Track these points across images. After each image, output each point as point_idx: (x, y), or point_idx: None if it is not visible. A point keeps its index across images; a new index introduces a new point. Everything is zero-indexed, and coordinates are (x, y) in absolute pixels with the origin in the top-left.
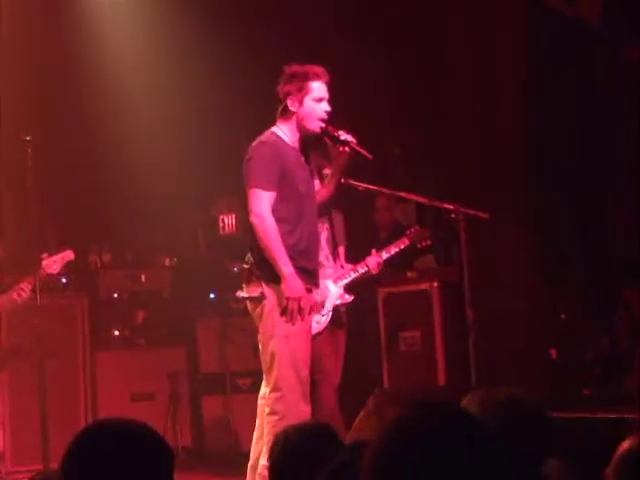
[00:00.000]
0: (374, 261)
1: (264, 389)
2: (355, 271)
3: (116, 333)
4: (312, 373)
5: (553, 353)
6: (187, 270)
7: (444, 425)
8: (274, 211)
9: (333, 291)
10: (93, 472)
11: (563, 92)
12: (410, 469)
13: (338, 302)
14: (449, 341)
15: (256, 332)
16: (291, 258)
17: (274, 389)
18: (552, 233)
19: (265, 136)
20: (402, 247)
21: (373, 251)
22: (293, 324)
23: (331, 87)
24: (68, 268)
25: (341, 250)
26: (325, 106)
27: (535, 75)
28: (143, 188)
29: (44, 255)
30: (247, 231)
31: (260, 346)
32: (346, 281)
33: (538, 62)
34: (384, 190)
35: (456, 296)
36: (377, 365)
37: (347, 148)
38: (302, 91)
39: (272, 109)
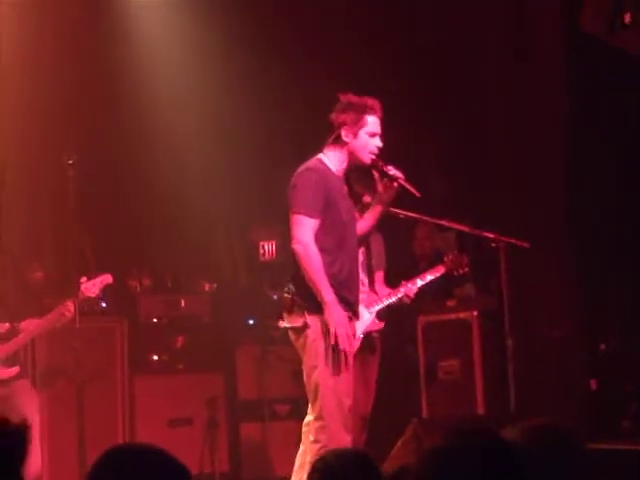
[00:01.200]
0: (407, 289)
1: (309, 417)
2: (388, 298)
3: (155, 358)
4: None
5: (593, 384)
6: (226, 296)
7: (483, 452)
8: (317, 239)
9: (365, 317)
10: None
11: (604, 121)
12: None
13: (369, 328)
14: (488, 370)
15: (295, 359)
16: (332, 287)
17: (318, 418)
18: (592, 260)
19: (312, 163)
20: (438, 275)
21: (404, 281)
22: (340, 352)
23: (383, 122)
24: (107, 292)
25: (379, 274)
26: (377, 142)
27: (576, 103)
28: (184, 213)
29: (83, 279)
30: (288, 259)
31: (304, 376)
32: (378, 308)
33: (578, 90)
34: (425, 218)
35: (496, 325)
36: (416, 394)
37: (395, 184)
38: (358, 123)
39: (320, 134)
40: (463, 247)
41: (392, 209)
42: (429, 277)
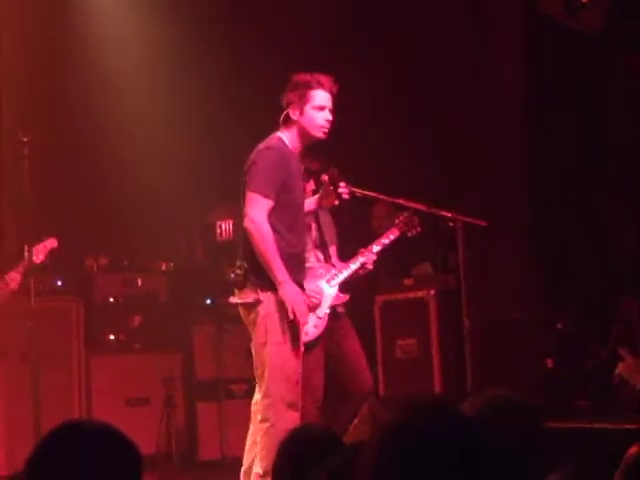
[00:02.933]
0: (366, 256)
1: (257, 395)
2: (348, 268)
3: (111, 337)
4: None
5: (549, 362)
6: (183, 275)
7: (440, 425)
8: (270, 220)
9: (328, 292)
10: (56, 472)
11: (563, 103)
12: (406, 469)
13: (334, 302)
14: (445, 349)
15: (250, 337)
16: (286, 259)
17: (265, 396)
18: (549, 241)
19: (273, 141)
20: (392, 237)
21: (361, 249)
22: (297, 327)
23: (336, 97)
24: (63, 270)
25: (332, 249)
26: (326, 115)
27: (535, 86)
28: (141, 193)
29: (26, 246)
30: (240, 236)
31: (253, 352)
32: (339, 280)
33: (538, 73)
34: (382, 197)
35: (453, 304)
36: (373, 372)
37: (337, 201)
38: (303, 99)
39: (273, 116)
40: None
41: (350, 187)
42: (384, 241)
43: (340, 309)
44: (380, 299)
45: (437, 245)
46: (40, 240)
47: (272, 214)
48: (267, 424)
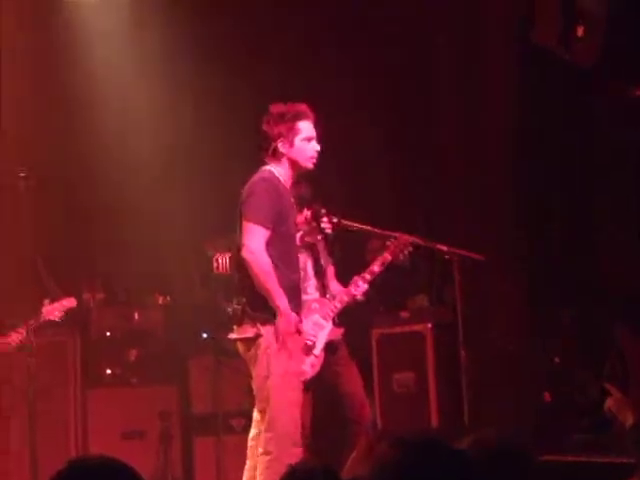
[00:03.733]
0: (359, 287)
1: (254, 430)
2: (341, 302)
3: (108, 371)
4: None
5: (547, 396)
6: (180, 309)
7: (436, 463)
8: (268, 248)
9: (324, 327)
10: None
11: (553, 133)
12: None
13: (330, 338)
14: (442, 383)
15: (249, 373)
16: (287, 294)
17: (268, 429)
18: (546, 275)
19: (265, 173)
20: (385, 263)
21: (355, 277)
22: (290, 357)
23: (317, 124)
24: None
25: (330, 270)
26: (315, 145)
27: (527, 116)
28: (137, 226)
29: (46, 301)
30: (235, 270)
31: (255, 387)
32: (333, 314)
33: (530, 103)
34: (377, 231)
35: (450, 337)
36: (370, 406)
37: (320, 236)
38: (292, 132)
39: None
40: (417, 260)
41: (345, 221)
42: (377, 269)
43: (340, 345)
44: (377, 332)
45: (433, 278)
46: (58, 298)
47: (268, 245)
48: (269, 457)
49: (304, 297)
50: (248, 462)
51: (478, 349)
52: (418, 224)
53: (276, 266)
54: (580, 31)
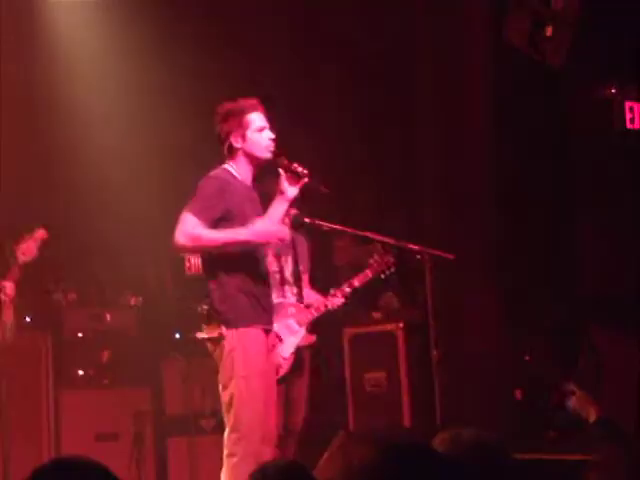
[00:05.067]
0: (336, 299)
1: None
2: (318, 310)
3: (80, 372)
4: None
5: (518, 394)
6: (153, 310)
7: (413, 465)
8: (216, 257)
9: (296, 332)
10: None
11: (531, 130)
12: None
13: (301, 343)
14: (414, 382)
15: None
16: (249, 297)
17: (233, 430)
18: (517, 273)
19: (216, 171)
20: (365, 280)
21: (332, 290)
22: (254, 358)
23: (268, 115)
24: (32, 306)
25: (305, 278)
26: (268, 134)
27: (503, 114)
28: (109, 227)
29: (15, 242)
30: (203, 271)
31: (220, 387)
32: (308, 320)
33: (506, 100)
34: (349, 230)
35: (421, 337)
36: (342, 406)
37: (301, 181)
38: (242, 126)
39: None
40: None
41: (317, 221)
42: (356, 283)
43: (305, 351)
44: (349, 332)
45: (404, 278)
46: (28, 235)
47: (223, 251)
48: (235, 459)
49: (281, 300)
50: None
51: (450, 348)
52: (391, 223)
53: (238, 264)
54: (549, 31)
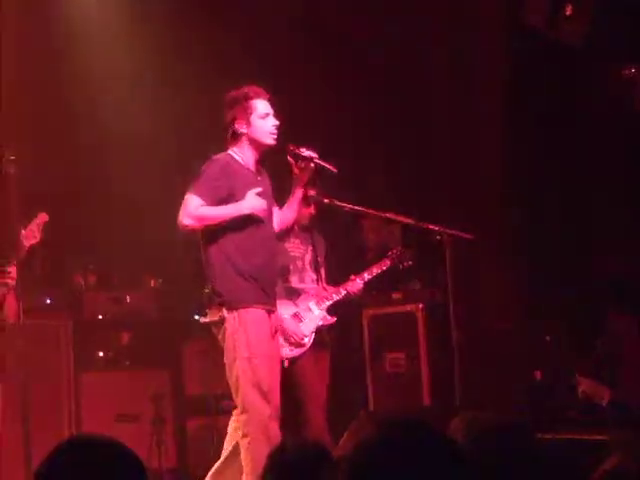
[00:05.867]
0: (355, 284)
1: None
2: (338, 293)
3: (100, 354)
4: (297, 394)
5: (538, 374)
6: (172, 292)
7: (413, 443)
8: (228, 235)
9: (316, 313)
10: None
11: (545, 112)
12: None
13: (321, 324)
14: (434, 362)
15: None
16: (247, 279)
17: (243, 411)
18: (537, 254)
19: (219, 155)
20: (384, 268)
21: (352, 276)
22: (256, 340)
23: (273, 102)
24: (54, 289)
25: (322, 272)
26: (272, 120)
27: (520, 96)
28: (128, 209)
29: (21, 231)
30: (203, 256)
31: (227, 370)
32: (328, 303)
33: (520, 82)
34: (370, 211)
35: (441, 318)
36: (362, 386)
37: (311, 164)
38: (247, 111)
39: None
40: (408, 240)
41: (337, 202)
42: (375, 270)
43: (325, 330)
44: (368, 313)
45: (425, 259)
46: (29, 221)
47: (229, 230)
48: (247, 439)
49: (301, 285)
50: (227, 442)
51: (470, 329)
52: (409, 204)
53: (243, 248)
54: (568, 10)
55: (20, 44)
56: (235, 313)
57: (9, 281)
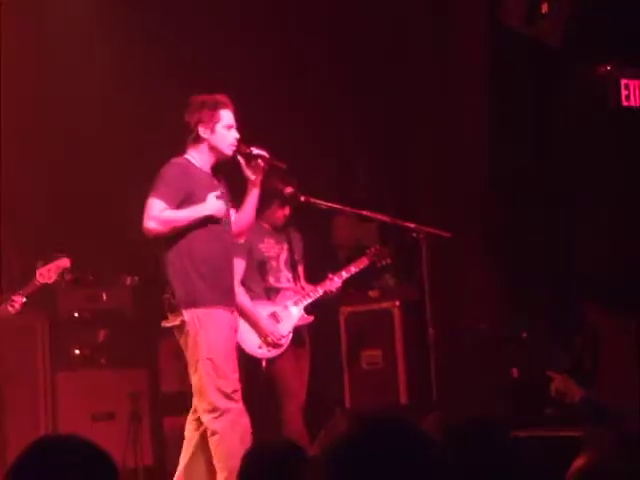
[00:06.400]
0: (334, 283)
1: (192, 414)
2: (315, 292)
3: (77, 352)
4: (276, 392)
5: (514, 372)
6: (149, 289)
7: (386, 439)
8: (184, 236)
9: (294, 312)
10: None
11: (525, 108)
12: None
13: (299, 323)
14: (411, 360)
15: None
16: (205, 280)
17: (210, 411)
18: (512, 250)
19: (177, 158)
20: (361, 267)
21: (330, 274)
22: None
23: (237, 114)
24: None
25: (300, 270)
26: (235, 133)
27: (496, 92)
28: (105, 205)
29: (39, 263)
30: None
31: (190, 372)
32: (306, 302)
33: (503, 80)
34: (346, 208)
35: (418, 315)
36: (338, 384)
37: (261, 162)
38: (213, 119)
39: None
40: (384, 237)
41: (313, 200)
42: (353, 269)
43: (304, 329)
44: (345, 310)
45: (401, 256)
46: (51, 259)
47: (179, 238)
48: (217, 437)
49: (277, 285)
50: (186, 444)
51: (446, 326)
52: (386, 201)
53: (190, 254)
54: (545, 8)
55: None
56: (195, 315)
57: (10, 309)
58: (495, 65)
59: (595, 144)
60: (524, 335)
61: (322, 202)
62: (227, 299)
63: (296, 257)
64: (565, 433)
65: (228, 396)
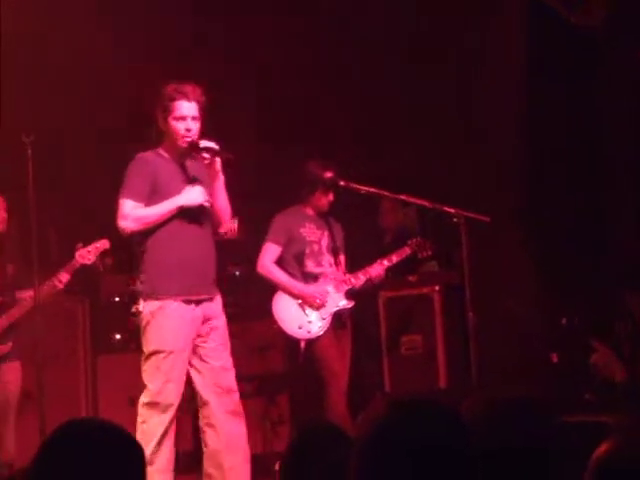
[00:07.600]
0: (375, 270)
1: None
2: (357, 279)
3: (117, 336)
4: (319, 373)
5: (554, 357)
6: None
7: (423, 422)
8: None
9: (334, 296)
10: (61, 469)
11: (564, 95)
12: (385, 464)
13: (338, 308)
14: (450, 345)
15: (260, 336)
16: (167, 270)
17: (146, 397)
18: (554, 236)
19: (141, 153)
20: (404, 256)
21: (378, 261)
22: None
23: (203, 105)
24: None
25: (341, 258)
26: (186, 124)
27: (536, 79)
28: None
29: (78, 245)
30: (249, 237)
31: (142, 359)
32: (347, 288)
33: (539, 66)
34: (385, 193)
35: (457, 300)
36: (378, 369)
37: (206, 154)
38: (166, 111)
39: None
40: (424, 222)
41: (353, 185)
42: (395, 258)
43: (345, 313)
44: (385, 295)
45: (441, 241)
46: (91, 241)
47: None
48: (144, 426)
49: (318, 269)
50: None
51: (486, 311)
52: (424, 187)
53: (154, 244)
54: None
55: None
56: (151, 305)
57: (57, 283)
58: (533, 46)
59: (636, 127)
60: (564, 321)
61: (362, 187)
62: (193, 288)
63: (338, 244)
64: (604, 419)
65: (165, 388)
